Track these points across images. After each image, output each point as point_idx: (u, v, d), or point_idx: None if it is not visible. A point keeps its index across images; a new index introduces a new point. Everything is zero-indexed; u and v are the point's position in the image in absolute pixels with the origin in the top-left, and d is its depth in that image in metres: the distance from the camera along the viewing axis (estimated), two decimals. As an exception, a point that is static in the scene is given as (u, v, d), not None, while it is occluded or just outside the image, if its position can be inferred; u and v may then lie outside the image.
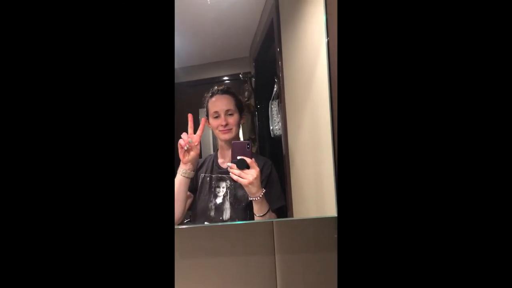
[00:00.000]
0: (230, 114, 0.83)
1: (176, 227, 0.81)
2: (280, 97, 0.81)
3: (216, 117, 0.83)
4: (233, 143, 0.79)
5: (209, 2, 0.85)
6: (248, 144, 0.77)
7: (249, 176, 0.75)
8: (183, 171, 0.80)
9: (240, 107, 0.85)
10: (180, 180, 0.80)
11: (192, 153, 0.80)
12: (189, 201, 0.84)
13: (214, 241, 0.77)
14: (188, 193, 0.83)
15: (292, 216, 0.79)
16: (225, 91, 0.85)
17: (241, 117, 0.84)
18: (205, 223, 0.82)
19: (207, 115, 0.85)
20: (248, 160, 0.76)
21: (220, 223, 0.81)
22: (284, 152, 0.81)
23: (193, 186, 0.84)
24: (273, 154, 0.83)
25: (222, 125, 0.82)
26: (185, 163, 0.80)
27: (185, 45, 0.91)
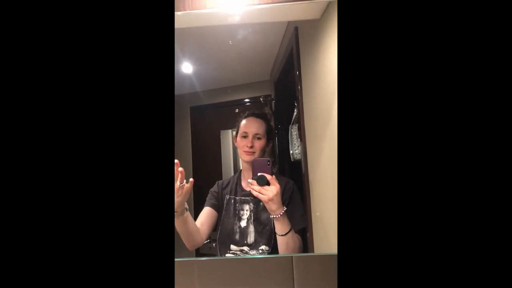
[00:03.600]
0: (258, 138, 0.84)
1: (194, 259, 0.80)
2: (300, 121, 0.82)
3: (244, 137, 0.85)
4: (253, 160, 0.79)
5: (231, 43, 0.88)
6: (268, 161, 0.78)
7: (269, 193, 0.74)
8: (178, 213, 0.77)
9: (269, 134, 0.86)
10: (179, 221, 0.78)
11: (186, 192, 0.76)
12: (214, 220, 0.84)
13: (233, 272, 0.76)
14: (214, 212, 0.84)
15: (313, 246, 0.77)
16: (259, 115, 0.87)
17: (268, 143, 0.85)
18: (227, 254, 0.82)
19: (236, 133, 0.87)
20: (268, 176, 0.76)
21: (238, 257, 0.80)
22: (304, 178, 0.81)
23: (219, 205, 0.85)
24: (293, 179, 0.83)
25: (247, 146, 0.84)
26: (176, 201, 0.75)
27: (208, 70, 0.94)
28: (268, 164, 0.77)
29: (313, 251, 0.77)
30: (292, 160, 0.84)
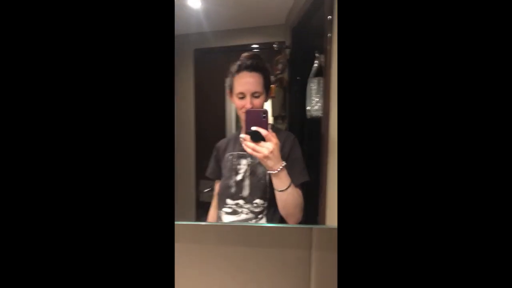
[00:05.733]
0: (257, 97, 0.75)
1: (210, 223, 0.78)
2: (326, 74, 0.72)
3: (242, 98, 0.75)
4: (246, 111, 0.70)
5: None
6: (264, 113, 0.69)
7: (264, 150, 0.67)
8: None
9: (268, 85, 0.76)
10: None
11: None
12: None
13: (246, 238, 0.71)
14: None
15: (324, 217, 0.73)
16: (254, 68, 0.75)
17: (267, 95, 0.76)
18: (224, 208, 0.79)
19: (230, 90, 0.77)
20: (263, 132, 0.67)
21: (252, 224, 0.77)
22: (323, 138, 0.73)
23: (219, 171, 0.82)
24: (307, 138, 0.76)
25: (247, 108, 0.75)
26: None
27: (217, 8, 0.83)
28: (264, 117, 0.68)
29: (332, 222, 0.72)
30: (308, 118, 0.76)
